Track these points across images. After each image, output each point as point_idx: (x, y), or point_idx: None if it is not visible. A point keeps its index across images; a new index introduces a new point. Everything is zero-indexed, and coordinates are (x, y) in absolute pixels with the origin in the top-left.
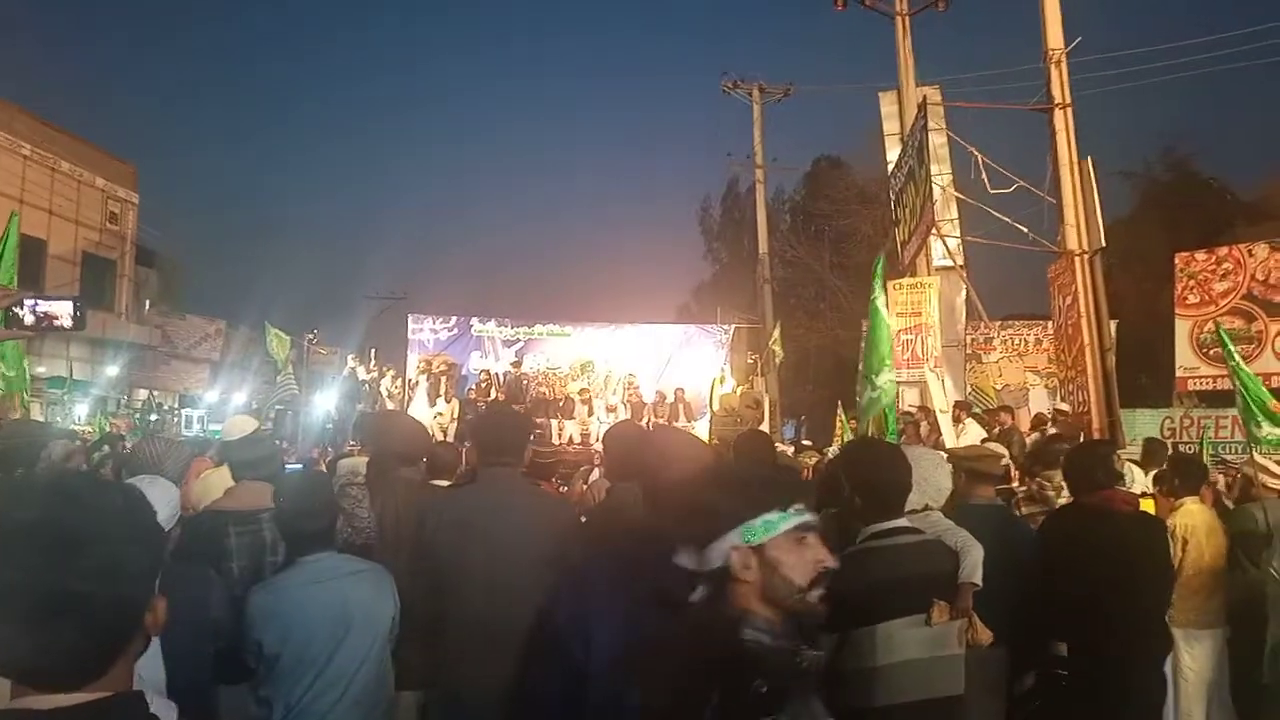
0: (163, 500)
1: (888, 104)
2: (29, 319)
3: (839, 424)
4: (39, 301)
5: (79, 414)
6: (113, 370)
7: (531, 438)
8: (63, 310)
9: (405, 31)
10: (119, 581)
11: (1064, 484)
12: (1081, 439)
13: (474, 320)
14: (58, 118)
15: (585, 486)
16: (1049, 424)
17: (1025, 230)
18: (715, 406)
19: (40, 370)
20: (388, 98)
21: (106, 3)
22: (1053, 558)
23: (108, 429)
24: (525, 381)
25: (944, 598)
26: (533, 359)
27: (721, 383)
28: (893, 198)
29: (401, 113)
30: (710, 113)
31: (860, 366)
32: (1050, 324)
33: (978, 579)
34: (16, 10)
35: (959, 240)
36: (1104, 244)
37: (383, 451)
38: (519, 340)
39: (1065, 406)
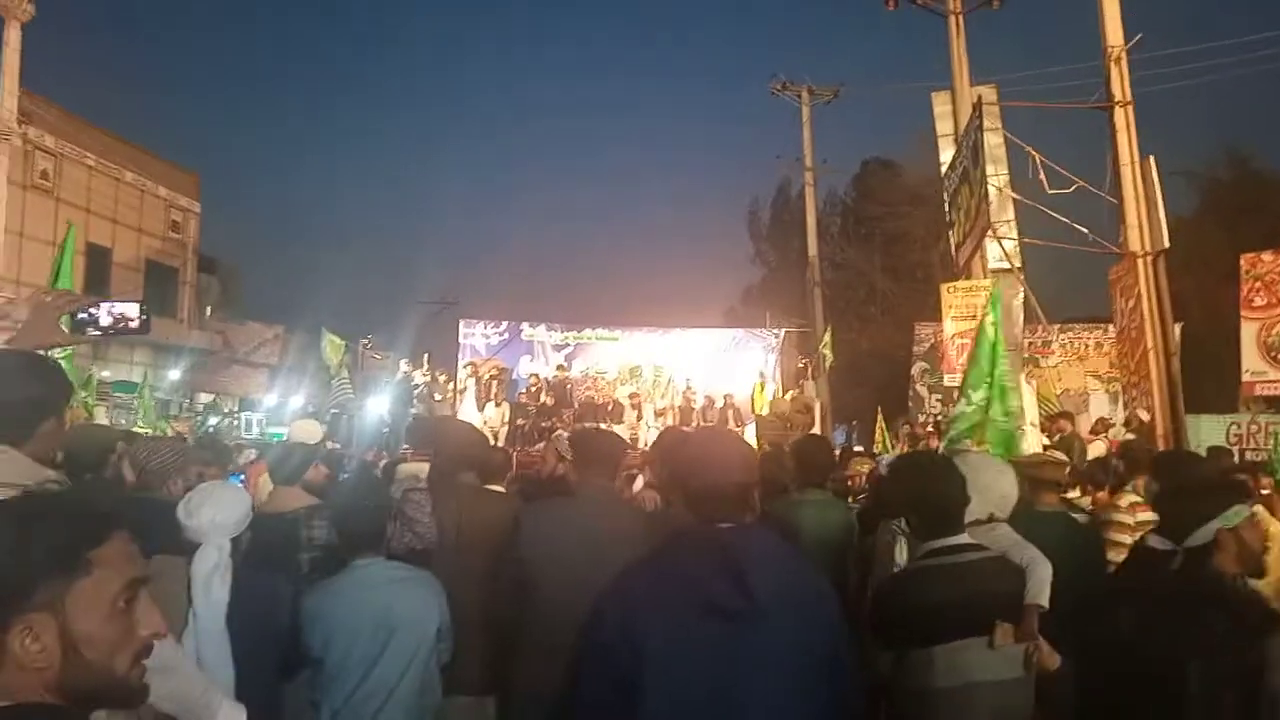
0: (230, 504)
1: (940, 104)
2: (105, 319)
3: (879, 431)
4: (115, 304)
5: (142, 417)
6: (175, 375)
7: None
8: (131, 312)
9: (458, 40)
10: None
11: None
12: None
13: (524, 325)
14: (122, 129)
15: (634, 493)
16: (1106, 431)
17: (1085, 231)
18: (759, 411)
19: (105, 375)
20: (440, 107)
21: (167, 17)
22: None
23: (169, 431)
24: (570, 385)
25: (1009, 619)
26: (581, 363)
27: (762, 389)
28: (946, 199)
29: (454, 120)
30: (759, 116)
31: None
32: (1111, 327)
33: (1044, 600)
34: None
35: (1016, 242)
36: (1167, 244)
37: (444, 457)
38: (569, 345)
39: (1145, 415)
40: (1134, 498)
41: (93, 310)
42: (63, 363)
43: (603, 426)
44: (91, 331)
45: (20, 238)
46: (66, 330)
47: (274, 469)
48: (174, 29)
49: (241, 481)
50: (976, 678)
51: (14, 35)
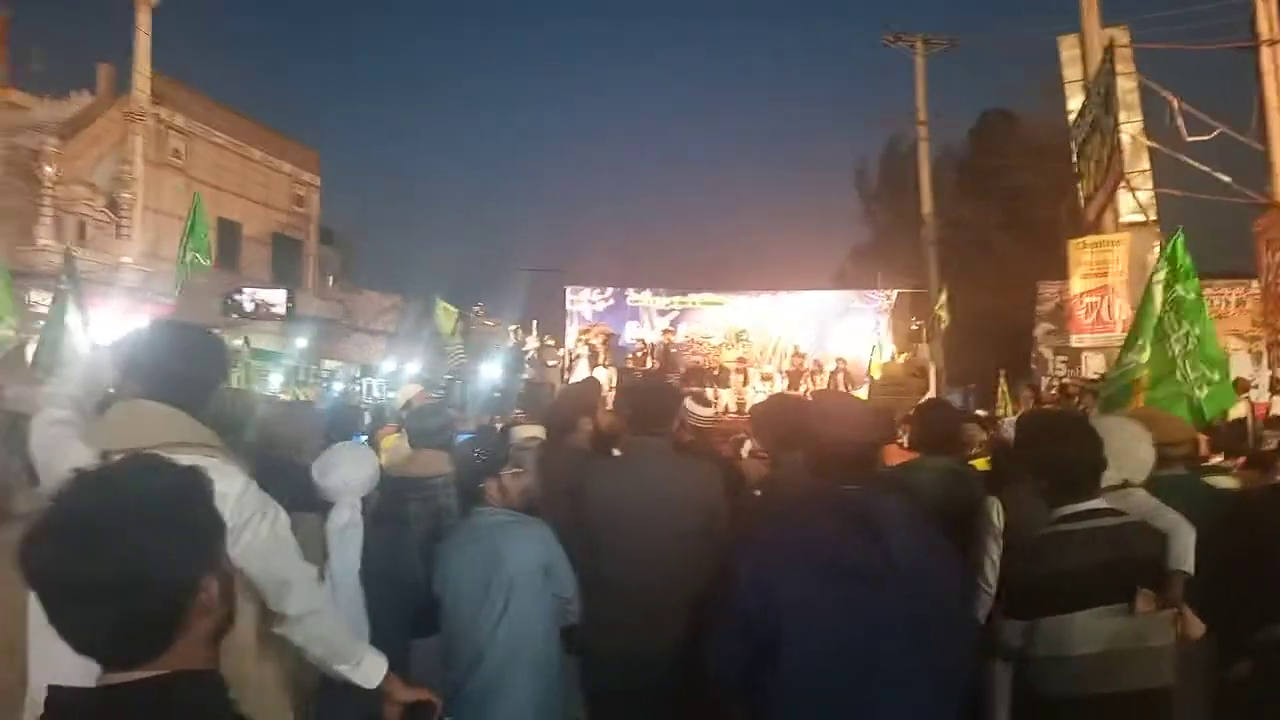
0: (359, 464)
1: (1068, 48)
2: (249, 305)
3: (1001, 396)
4: (257, 290)
5: (274, 383)
6: (302, 343)
7: (692, 405)
8: (277, 299)
9: (563, 11)
10: (152, 566)
11: None
12: None
13: (629, 290)
14: (247, 108)
15: (745, 456)
16: (1247, 393)
17: (1228, 180)
18: (875, 375)
19: (236, 343)
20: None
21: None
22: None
23: (301, 398)
24: (674, 350)
25: (1150, 585)
26: (687, 328)
27: (881, 352)
28: (1074, 150)
29: (560, 90)
30: (869, 70)
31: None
32: (1256, 283)
33: (1188, 566)
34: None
35: (1151, 193)
36: None
37: (553, 420)
38: (674, 309)
39: None
40: None
41: (237, 295)
42: None
43: (665, 380)
44: (236, 316)
45: (156, 214)
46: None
47: (414, 432)
48: (292, 10)
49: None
50: (1115, 645)
51: (144, 19)
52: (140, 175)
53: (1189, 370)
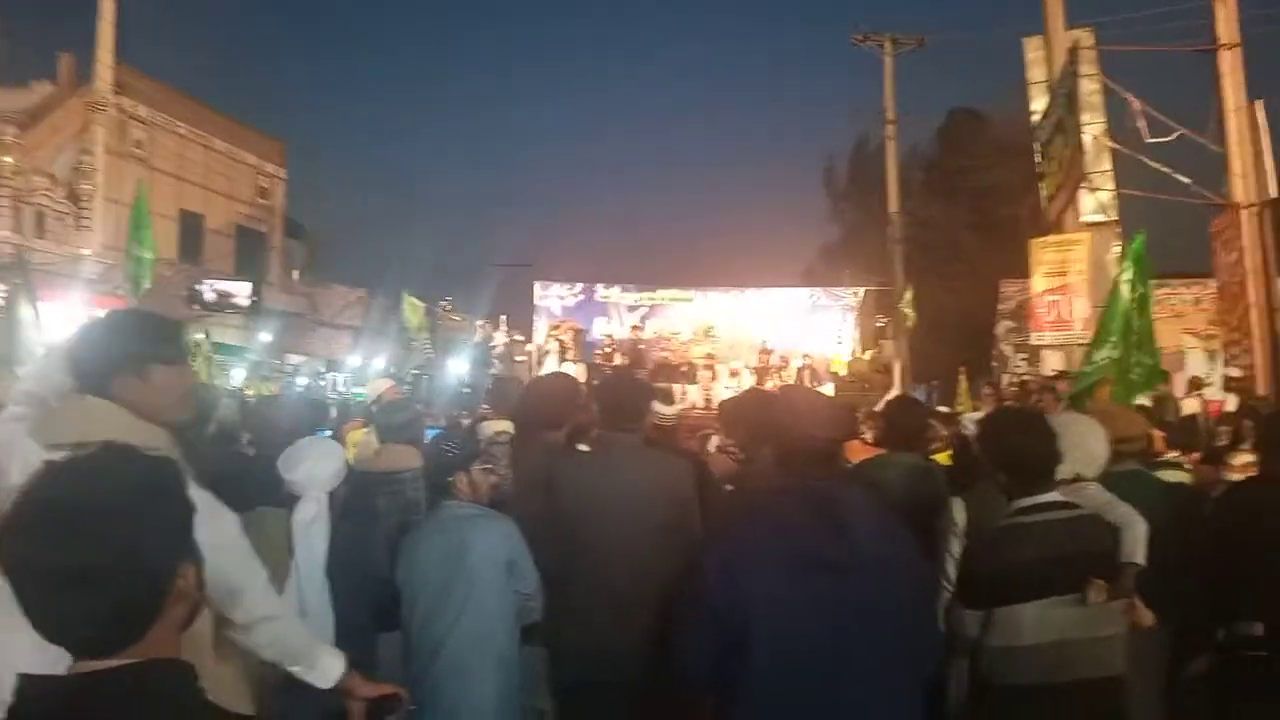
0: (325, 459)
1: (1033, 49)
2: (210, 295)
3: (961, 392)
4: (218, 281)
5: (236, 377)
6: (266, 336)
7: (654, 403)
8: (240, 290)
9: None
10: (133, 554)
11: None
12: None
13: (598, 286)
14: (210, 97)
15: (712, 452)
16: (1203, 390)
17: (1187, 181)
18: (836, 372)
19: (198, 337)
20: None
21: None
22: (1241, 531)
23: (264, 393)
24: (643, 346)
25: (1102, 576)
26: (656, 324)
27: (841, 349)
28: (1038, 149)
29: (529, 87)
30: (838, 69)
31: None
32: (1211, 282)
33: (1140, 558)
34: None
35: (1112, 193)
36: (1274, 194)
37: (526, 416)
38: (643, 305)
39: (1236, 371)
40: (1248, 457)
41: (198, 286)
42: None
43: (637, 376)
44: (198, 308)
45: (117, 205)
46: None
47: (383, 427)
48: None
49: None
50: (1068, 635)
51: (108, 7)
52: (101, 166)
53: (1129, 360)
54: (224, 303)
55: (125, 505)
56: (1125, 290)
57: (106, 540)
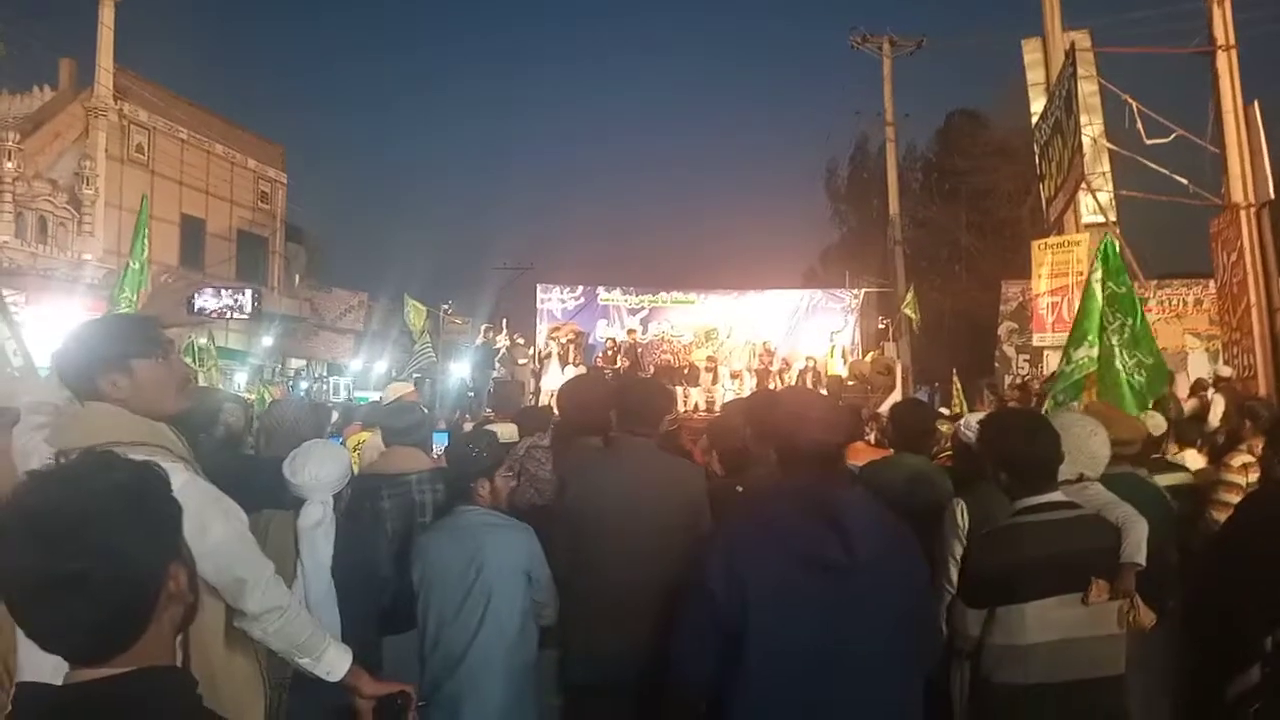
0: (330, 461)
1: (1031, 51)
2: (211, 304)
3: (955, 393)
4: (226, 289)
5: (239, 381)
6: (268, 341)
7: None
8: (244, 299)
9: (533, 14)
10: (119, 559)
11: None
12: None
13: (600, 289)
14: (211, 102)
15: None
16: (1208, 390)
17: (1185, 182)
18: (832, 373)
19: (201, 342)
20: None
21: None
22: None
23: (267, 396)
24: (640, 349)
25: (1103, 576)
26: (657, 326)
27: (831, 354)
28: (1037, 151)
29: (530, 90)
30: (837, 71)
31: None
32: (1212, 283)
33: (1141, 559)
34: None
35: (1111, 194)
36: (1272, 195)
37: (564, 419)
38: (644, 308)
39: (1228, 371)
40: (1247, 458)
41: (198, 296)
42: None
43: (660, 381)
44: (201, 316)
45: (118, 210)
46: (185, 312)
47: (390, 431)
48: (260, 5)
49: (341, 442)
50: (1069, 634)
51: (108, 14)
52: (102, 171)
53: (1126, 359)
54: (227, 311)
55: (108, 510)
56: (1097, 289)
57: (91, 546)
